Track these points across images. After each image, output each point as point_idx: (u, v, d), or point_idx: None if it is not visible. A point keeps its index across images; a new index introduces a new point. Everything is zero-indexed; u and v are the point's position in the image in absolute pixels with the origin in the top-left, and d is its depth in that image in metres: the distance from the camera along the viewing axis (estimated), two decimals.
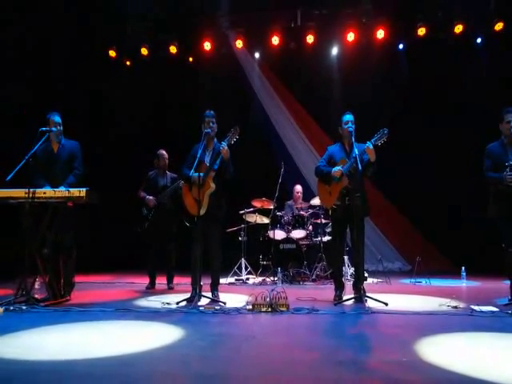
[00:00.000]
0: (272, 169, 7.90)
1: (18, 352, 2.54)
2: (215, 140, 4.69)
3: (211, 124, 4.60)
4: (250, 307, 3.88)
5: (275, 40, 8.95)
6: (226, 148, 4.35)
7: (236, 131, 4.43)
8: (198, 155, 4.36)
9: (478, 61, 8.39)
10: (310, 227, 6.99)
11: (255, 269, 7.02)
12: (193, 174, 4.37)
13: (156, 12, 8.57)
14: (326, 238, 6.79)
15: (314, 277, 6.61)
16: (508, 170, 4.07)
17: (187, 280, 4.82)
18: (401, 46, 8.94)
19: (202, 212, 4.34)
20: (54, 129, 4.52)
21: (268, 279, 6.53)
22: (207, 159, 4.59)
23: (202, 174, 4.31)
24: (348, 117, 4.60)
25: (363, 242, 4.56)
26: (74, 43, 7.91)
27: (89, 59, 8.33)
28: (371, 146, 4.30)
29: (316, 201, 6.85)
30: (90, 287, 5.94)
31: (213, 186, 4.46)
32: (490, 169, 4.32)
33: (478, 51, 8.55)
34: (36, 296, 4.24)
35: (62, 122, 4.66)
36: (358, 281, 4.38)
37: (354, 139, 4.41)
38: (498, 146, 4.37)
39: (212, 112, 4.67)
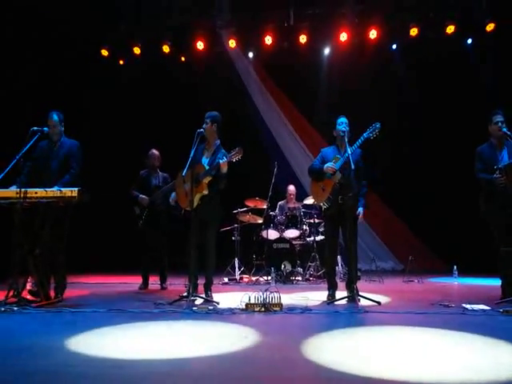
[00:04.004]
0: (265, 168, 7.90)
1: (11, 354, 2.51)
2: (217, 143, 4.69)
3: (203, 124, 4.60)
4: (244, 307, 3.88)
5: (268, 40, 8.95)
6: (226, 164, 4.32)
7: (240, 152, 4.37)
8: (191, 155, 4.35)
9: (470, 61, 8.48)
10: (304, 227, 7.00)
11: (249, 268, 7.02)
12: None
13: (149, 11, 8.54)
14: (319, 238, 6.81)
15: (307, 276, 6.63)
16: (498, 172, 4.12)
17: (180, 280, 4.81)
18: (394, 47, 8.99)
19: (190, 207, 4.32)
20: (45, 128, 4.47)
21: (261, 279, 6.54)
22: (205, 161, 4.60)
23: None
24: (341, 119, 4.68)
25: (356, 242, 4.59)
26: (68, 42, 7.86)
27: (80, 58, 8.28)
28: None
29: (309, 201, 6.86)
30: (83, 287, 5.90)
31: (206, 191, 4.46)
32: (481, 170, 4.39)
33: (469, 51, 8.63)
34: (27, 297, 4.21)
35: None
36: (351, 280, 4.40)
37: (346, 139, 4.46)
38: (487, 148, 4.45)
39: (210, 113, 4.68)
